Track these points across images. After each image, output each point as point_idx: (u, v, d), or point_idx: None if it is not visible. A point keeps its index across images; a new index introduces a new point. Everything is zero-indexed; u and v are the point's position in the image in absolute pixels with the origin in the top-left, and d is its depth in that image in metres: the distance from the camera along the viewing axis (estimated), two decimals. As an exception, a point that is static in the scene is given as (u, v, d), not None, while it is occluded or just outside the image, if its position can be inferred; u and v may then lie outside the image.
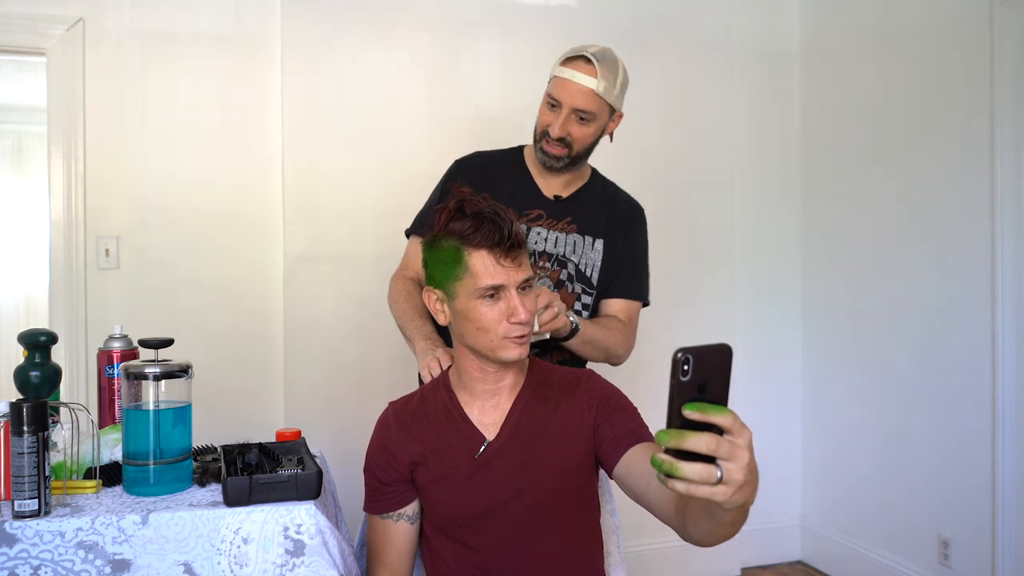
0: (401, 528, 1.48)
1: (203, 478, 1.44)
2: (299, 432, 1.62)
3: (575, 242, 1.89)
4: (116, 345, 1.69)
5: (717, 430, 0.84)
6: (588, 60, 1.77)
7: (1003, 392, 2.52)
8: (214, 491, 1.40)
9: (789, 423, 3.40)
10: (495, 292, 1.36)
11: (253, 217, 2.84)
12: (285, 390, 2.83)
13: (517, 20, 3.04)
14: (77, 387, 2.64)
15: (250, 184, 2.83)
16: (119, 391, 1.63)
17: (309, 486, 1.35)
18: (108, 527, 1.27)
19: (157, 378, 1.41)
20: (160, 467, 1.39)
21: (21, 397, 1.56)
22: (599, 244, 1.90)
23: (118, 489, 1.42)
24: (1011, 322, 2.50)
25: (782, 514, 3.39)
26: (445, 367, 1.58)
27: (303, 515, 1.32)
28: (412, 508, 1.49)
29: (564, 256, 1.88)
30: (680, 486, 0.84)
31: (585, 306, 1.91)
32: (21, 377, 1.60)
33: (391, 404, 1.54)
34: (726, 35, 3.29)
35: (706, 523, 1.06)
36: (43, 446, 1.27)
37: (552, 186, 1.91)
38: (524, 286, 1.39)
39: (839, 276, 3.20)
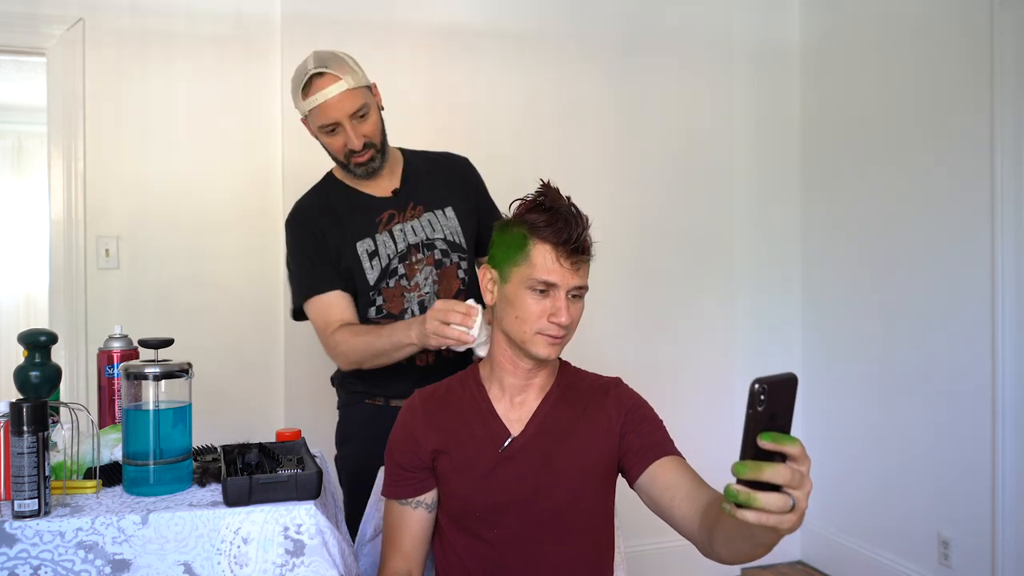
0: (419, 515, 1.49)
1: (203, 478, 1.44)
2: (299, 432, 1.62)
3: (429, 220, 1.92)
4: (116, 345, 1.69)
5: (784, 457, 0.86)
6: (320, 74, 1.77)
7: (1003, 392, 2.52)
8: (214, 491, 1.40)
9: (789, 423, 3.39)
10: (546, 288, 1.39)
11: (253, 217, 2.84)
12: (285, 390, 2.83)
13: (517, 22, 3.04)
14: (77, 387, 2.64)
15: (250, 184, 2.83)
16: (119, 391, 1.63)
17: (309, 486, 1.35)
18: (108, 527, 1.27)
19: (157, 378, 1.41)
20: (160, 467, 1.39)
21: (21, 397, 1.56)
22: (449, 211, 1.93)
23: (118, 489, 1.41)
24: (1011, 322, 2.50)
25: (782, 514, 3.39)
26: (471, 313, 1.56)
27: (303, 515, 1.32)
28: (431, 496, 1.50)
29: (429, 238, 1.90)
30: (751, 516, 0.85)
31: (466, 271, 1.94)
32: (21, 377, 1.60)
33: (418, 391, 1.56)
34: (726, 35, 3.29)
35: (743, 544, 1.08)
36: (43, 446, 1.27)
37: (382, 185, 1.92)
38: (576, 293, 1.41)
39: (839, 276, 3.20)
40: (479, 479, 1.46)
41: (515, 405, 1.49)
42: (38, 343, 1.61)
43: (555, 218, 1.37)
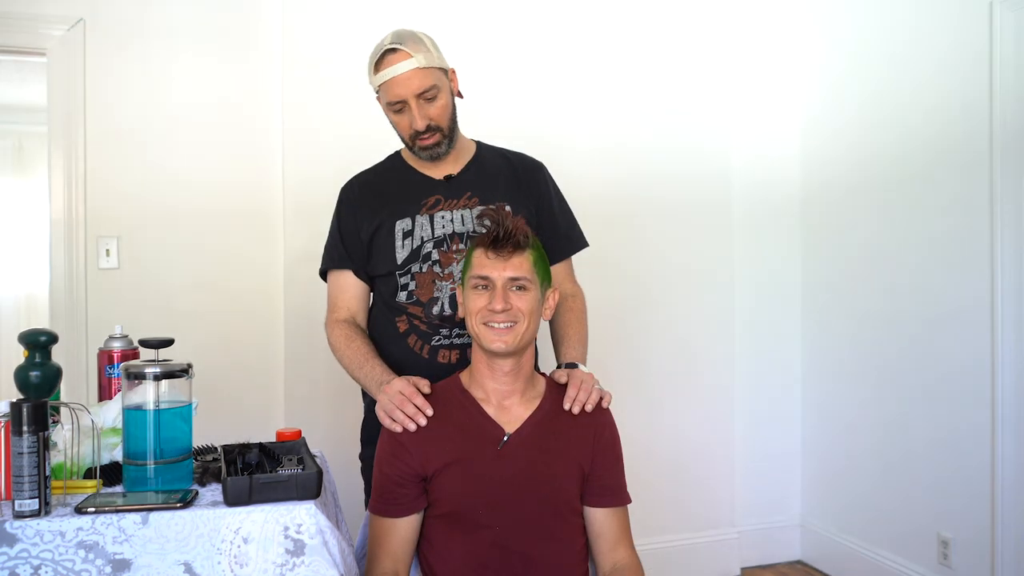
0: (406, 521, 1.52)
1: (203, 478, 1.44)
2: (299, 432, 1.62)
3: None
4: (116, 345, 1.69)
5: None
6: (393, 50, 1.78)
7: (1002, 391, 2.52)
8: (214, 491, 1.40)
9: (789, 423, 3.40)
10: (484, 283, 1.52)
11: (253, 216, 2.84)
12: (285, 390, 2.83)
13: (520, 13, 3.04)
14: (77, 387, 2.64)
15: (250, 183, 2.83)
16: (119, 391, 1.62)
17: (309, 486, 1.35)
18: (108, 527, 1.27)
19: (157, 378, 1.41)
20: (160, 467, 1.39)
21: (21, 397, 1.56)
22: (507, 209, 1.87)
23: (118, 489, 1.41)
24: (1011, 322, 2.50)
25: (782, 514, 3.39)
26: (417, 403, 1.57)
27: (303, 515, 1.32)
28: (421, 503, 1.53)
29: (475, 231, 1.83)
30: None
31: None
32: (21, 377, 1.60)
33: None
34: (724, 30, 3.29)
35: None
36: (43, 446, 1.27)
37: (441, 169, 1.90)
38: (518, 285, 1.52)
39: (839, 276, 3.20)
40: (476, 476, 1.49)
41: (503, 408, 1.55)
42: (38, 343, 1.61)
43: (488, 224, 1.55)
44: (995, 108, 2.51)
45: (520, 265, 1.52)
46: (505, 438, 1.51)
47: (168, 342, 1.48)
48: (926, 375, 2.79)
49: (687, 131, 3.22)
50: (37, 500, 1.26)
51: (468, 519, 1.49)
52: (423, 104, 1.79)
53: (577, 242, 2.00)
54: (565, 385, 1.61)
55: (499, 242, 1.52)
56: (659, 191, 3.19)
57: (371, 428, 1.92)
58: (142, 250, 2.74)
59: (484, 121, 2.95)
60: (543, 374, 1.67)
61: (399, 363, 1.80)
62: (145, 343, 1.49)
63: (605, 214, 3.06)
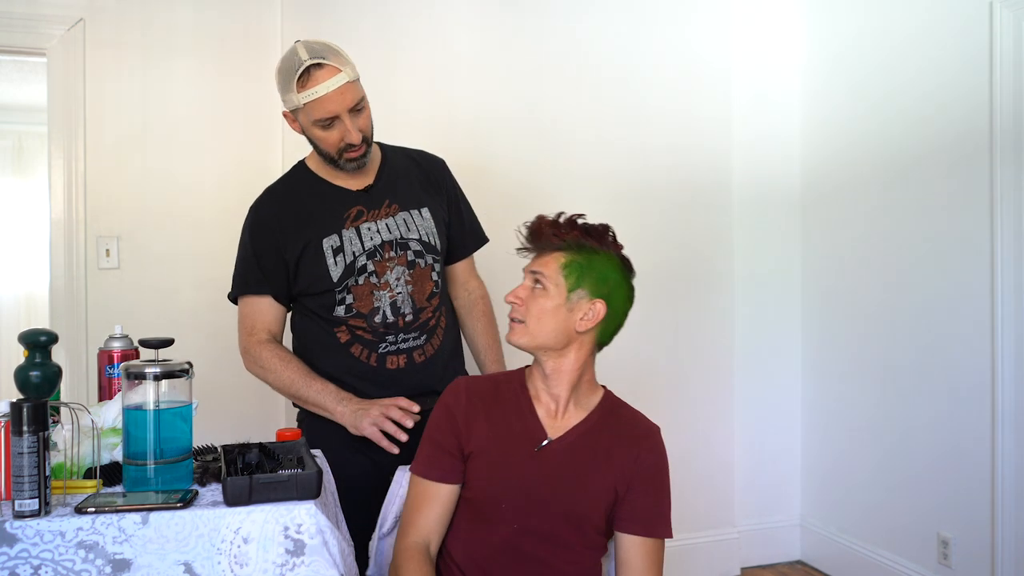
0: (445, 491, 1.52)
1: (203, 478, 1.44)
2: (299, 432, 1.62)
3: (404, 220, 1.87)
4: (116, 345, 1.69)
5: None
6: (319, 66, 1.71)
7: (1002, 391, 2.52)
8: (214, 491, 1.40)
9: (789, 423, 3.40)
10: (527, 275, 1.54)
11: (253, 217, 2.84)
12: (285, 390, 2.82)
13: (517, 13, 3.04)
14: (77, 387, 2.64)
15: (250, 184, 2.81)
16: (119, 391, 1.62)
17: (309, 486, 1.35)
18: (108, 527, 1.27)
19: (157, 378, 1.41)
20: (160, 467, 1.39)
21: (21, 397, 1.56)
22: (425, 212, 1.89)
23: (118, 489, 1.41)
24: (1010, 322, 2.50)
25: (782, 514, 3.39)
26: (411, 413, 1.70)
27: (303, 515, 1.32)
28: (460, 477, 1.54)
29: (403, 237, 1.85)
30: None
31: (439, 274, 1.91)
32: (21, 377, 1.60)
33: (464, 379, 1.63)
34: (725, 26, 3.29)
35: None
36: (43, 446, 1.27)
37: (356, 179, 1.87)
38: (537, 279, 1.51)
39: (839, 276, 3.20)
40: (506, 471, 1.50)
41: (552, 411, 1.54)
42: (38, 343, 1.61)
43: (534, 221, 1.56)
44: (995, 107, 2.51)
45: (547, 263, 1.51)
46: (545, 442, 1.51)
47: (168, 342, 1.48)
48: (926, 374, 2.79)
49: (687, 128, 3.22)
50: (37, 500, 1.26)
51: (489, 510, 1.50)
52: (354, 117, 1.76)
53: (481, 237, 2.02)
54: (621, 401, 1.60)
55: (530, 232, 1.54)
56: (658, 189, 3.19)
57: (311, 439, 1.91)
58: (142, 250, 2.74)
59: (484, 120, 2.96)
60: (603, 387, 1.62)
61: (344, 372, 1.81)
62: (145, 343, 1.49)
63: (604, 212, 3.05)
